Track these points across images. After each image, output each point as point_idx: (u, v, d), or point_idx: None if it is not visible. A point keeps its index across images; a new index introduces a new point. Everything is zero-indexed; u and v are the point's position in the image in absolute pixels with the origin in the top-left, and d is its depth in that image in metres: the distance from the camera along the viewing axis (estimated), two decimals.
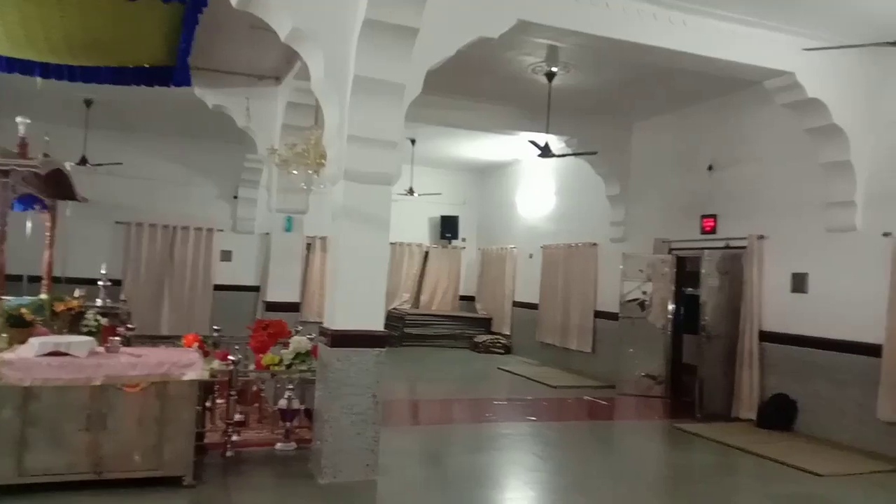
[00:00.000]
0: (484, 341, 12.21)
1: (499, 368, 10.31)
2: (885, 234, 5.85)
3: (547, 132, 7.74)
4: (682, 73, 6.53)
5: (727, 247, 7.60)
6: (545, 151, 7.65)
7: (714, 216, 7.88)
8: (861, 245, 6.12)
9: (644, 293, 8.54)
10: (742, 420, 6.98)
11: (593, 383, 9.12)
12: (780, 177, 7.00)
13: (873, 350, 5.81)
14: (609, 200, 9.58)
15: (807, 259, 6.67)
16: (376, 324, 4.69)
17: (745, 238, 7.31)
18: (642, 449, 6.46)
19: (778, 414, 6.71)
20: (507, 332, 12.33)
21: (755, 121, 7.31)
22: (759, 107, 7.05)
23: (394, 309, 12.81)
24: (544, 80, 7.27)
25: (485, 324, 12.88)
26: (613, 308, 9.01)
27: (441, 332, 12.71)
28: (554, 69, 7.08)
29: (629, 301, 8.68)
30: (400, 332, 12.21)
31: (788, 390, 6.70)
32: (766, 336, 7.02)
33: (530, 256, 11.83)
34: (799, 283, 6.74)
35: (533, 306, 11.46)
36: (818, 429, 6.32)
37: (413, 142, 10.86)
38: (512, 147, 10.84)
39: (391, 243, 13.03)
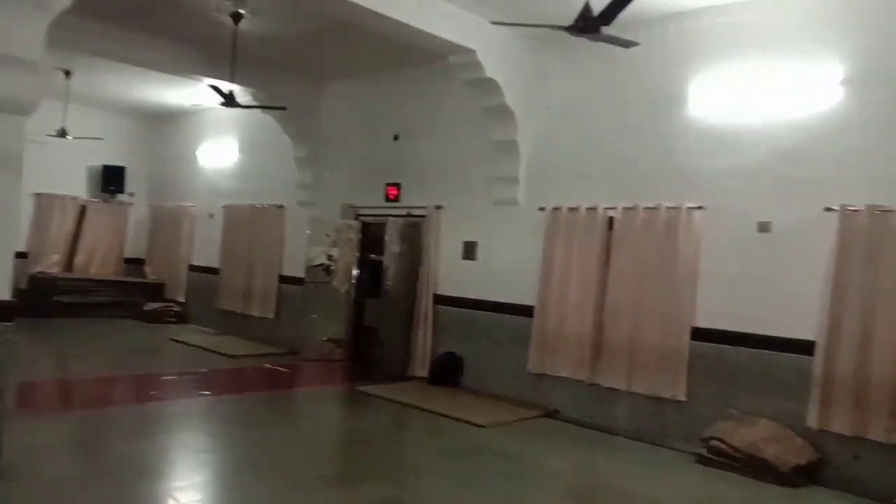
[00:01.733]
0: (154, 309, 10.97)
1: (171, 339, 9.34)
2: (541, 209, 6.57)
3: (231, 81, 7.08)
4: (375, 38, 6.47)
5: (409, 215, 7.88)
6: (229, 101, 7.01)
7: (398, 185, 8.10)
8: (522, 218, 6.80)
9: (330, 258, 8.45)
10: (417, 379, 7.35)
11: (276, 350, 8.80)
12: (459, 151, 7.44)
13: (529, 311, 6.53)
14: (297, 162, 9.26)
15: (477, 229, 7.23)
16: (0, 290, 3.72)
17: (425, 207, 7.64)
18: (323, 415, 6.38)
19: (447, 371, 7.21)
20: (182, 300, 11.28)
21: (440, 95, 7.64)
22: (445, 81, 7.34)
23: (39, 273, 10.80)
24: (230, 21, 6.59)
25: (155, 290, 11.57)
26: (299, 273, 8.78)
27: (101, 299, 11.06)
28: (241, 11, 6.45)
29: (315, 266, 8.51)
30: (48, 300, 10.33)
31: (457, 349, 7.24)
32: (440, 299, 7.47)
33: (210, 216, 10.92)
34: (469, 250, 7.28)
35: (212, 271, 10.64)
36: (481, 383, 6.94)
37: (68, 73, 9.13)
38: (192, 94, 9.77)
39: (37, 194, 11.23)
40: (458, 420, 5.83)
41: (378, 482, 4.38)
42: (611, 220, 6.09)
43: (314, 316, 8.41)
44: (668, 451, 5.38)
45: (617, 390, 5.89)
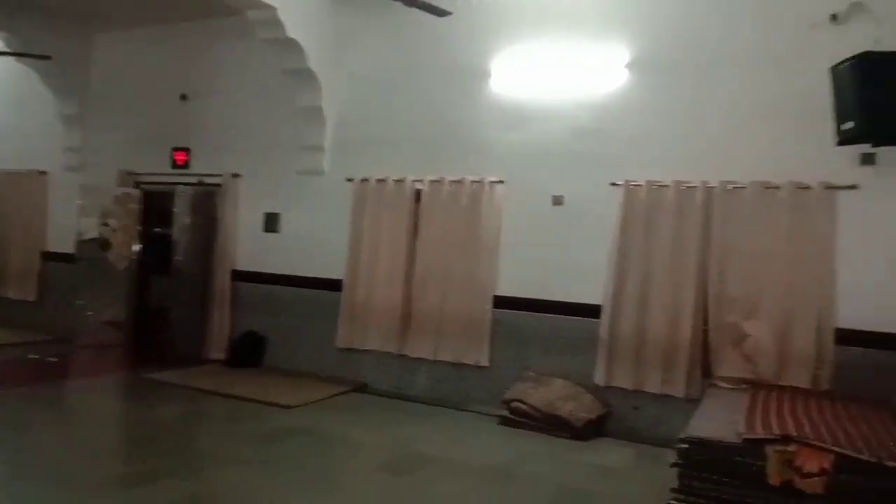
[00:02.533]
0: None
1: None
2: (348, 180, 6.39)
3: None
4: None
5: (201, 183, 7.25)
6: None
7: (187, 150, 7.40)
8: (328, 188, 6.56)
9: (106, 231, 7.48)
10: (214, 361, 6.85)
11: (40, 338, 7.65)
12: (259, 115, 6.96)
13: (337, 285, 6.36)
14: (63, 121, 8.07)
15: (280, 200, 6.85)
16: None
17: (220, 175, 7.07)
18: (105, 409, 5.69)
19: (248, 351, 6.80)
20: None
21: (236, 53, 7.06)
22: (241, 39, 6.78)
23: None
24: None
25: None
26: (68, 248, 7.69)
27: None
28: None
29: (88, 240, 7.49)
30: None
31: (259, 327, 6.85)
32: (239, 275, 7.00)
33: None
34: (272, 222, 6.89)
35: None
36: (286, 362, 6.64)
37: None
38: None
39: None
40: (262, 403, 5.53)
41: (175, 478, 3.96)
42: (418, 193, 6.10)
43: (87, 297, 7.42)
44: (474, 416, 5.59)
45: (424, 360, 5.98)
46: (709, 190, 5.03)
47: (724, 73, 5.10)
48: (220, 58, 7.20)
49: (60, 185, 8.18)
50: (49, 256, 8.26)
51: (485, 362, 5.74)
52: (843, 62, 4.12)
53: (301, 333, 6.62)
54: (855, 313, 4.60)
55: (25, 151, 8.47)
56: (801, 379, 4.67)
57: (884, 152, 4.54)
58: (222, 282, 6.97)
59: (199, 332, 6.99)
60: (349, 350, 6.32)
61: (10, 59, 7.14)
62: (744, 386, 4.75)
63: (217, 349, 6.92)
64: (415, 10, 5.07)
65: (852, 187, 4.65)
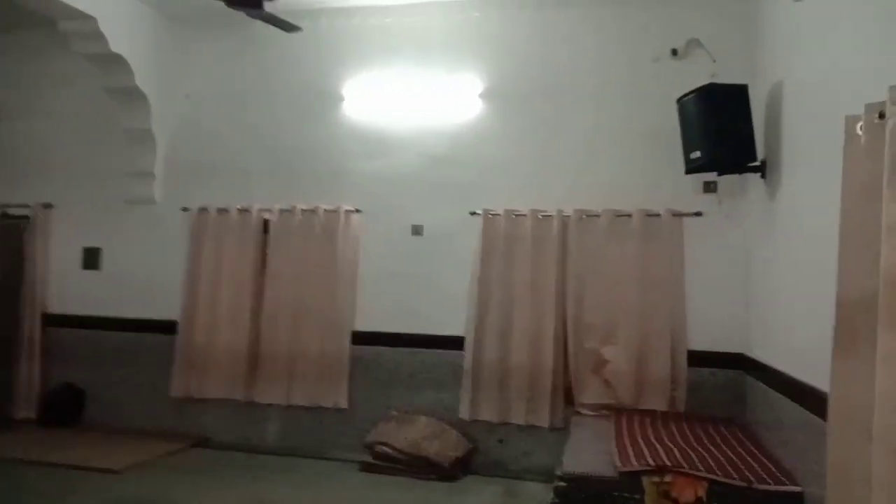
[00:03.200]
0: None
1: None
2: (184, 209, 5.76)
3: None
4: None
5: (5, 215, 6.21)
6: None
7: None
8: (160, 219, 5.88)
9: None
10: (22, 421, 5.82)
11: None
12: (79, 138, 6.11)
13: (171, 327, 5.65)
14: None
15: (102, 232, 6.03)
16: None
17: (27, 206, 6.11)
18: None
19: (63, 408, 5.86)
20: None
21: (54, 69, 6.14)
22: (60, 53, 5.91)
23: None
24: None
25: None
26: None
27: None
28: None
29: None
30: None
31: (77, 379, 5.93)
32: (51, 320, 6.05)
33: None
34: (92, 258, 6.04)
35: None
36: (112, 417, 5.78)
37: None
38: None
39: None
40: (83, 469, 4.72)
41: None
42: (266, 223, 5.63)
43: None
44: (334, 464, 5.16)
45: (275, 406, 5.46)
46: (564, 218, 5.08)
47: (576, 104, 5.21)
48: (36, 73, 6.25)
49: None
50: None
51: (344, 404, 5.34)
52: (688, 94, 4.31)
53: (128, 383, 5.81)
54: (703, 335, 4.80)
55: None
56: (658, 402, 4.77)
57: (724, 181, 4.82)
58: (31, 328, 5.98)
59: (3, 387, 5.92)
60: (187, 400, 5.62)
61: None
62: (605, 412, 4.80)
63: (26, 407, 5.90)
64: (259, 28, 4.69)
65: (697, 214, 4.90)
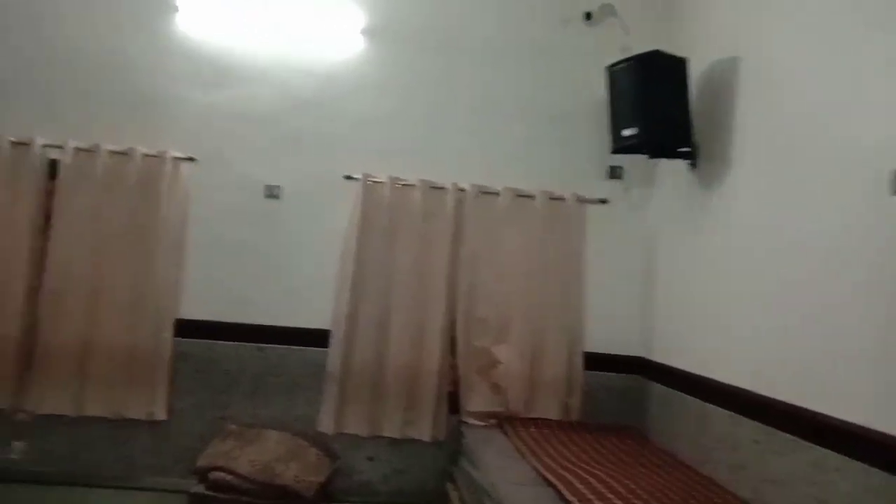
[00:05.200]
0: None
1: None
2: None
3: None
4: None
5: None
6: None
7: None
8: None
9: None
10: None
11: None
12: None
13: None
14: None
15: None
16: None
17: None
18: None
19: None
20: None
21: None
22: None
23: None
24: None
25: None
26: None
27: None
28: None
29: None
30: None
31: None
32: None
33: None
34: None
35: None
36: None
37: None
38: None
39: None
40: None
41: None
42: (54, 164, 4.03)
43: None
44: (147, 495, 3.89)
45: (63, 417, 3.96)
46: (460, 193, 4.28)
47: (476, 59, 4.40)
48: None
49: None
50: None
51: (162, 415, 4.04)
52: (623, 61, 3.74)
53: None
54: (599, 336, 4.35)
55: None
56: (551, 409, 4.24)
57: (632, 167, 4.37)
58: None
59: None
60: None
61: None
62: (492, 421, 4.16)
63: None
64: None
65: (602, 201, 4.40)
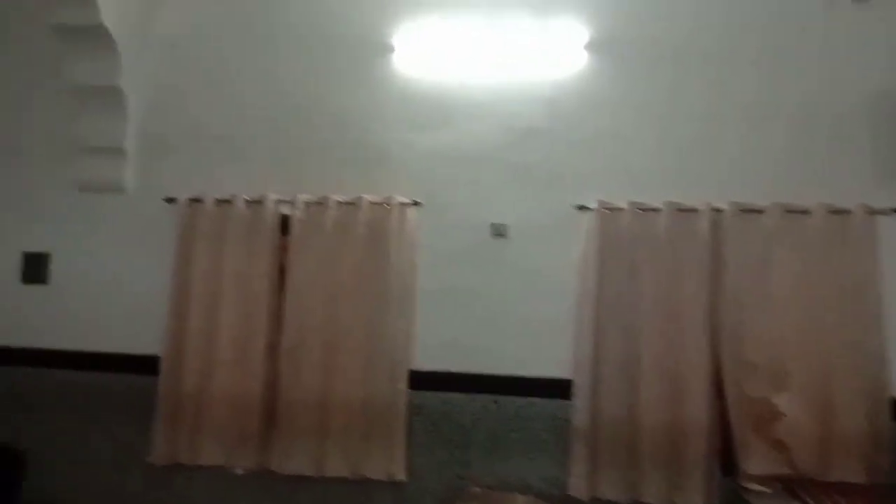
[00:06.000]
0: None
1: None
2: (168, 200, 4.14)
3: None
4: None
5: None
6: None
7: None
8: (133, 213, 4.22)
9: None
10: None
11: None
12: (14, 100, 4.39)
13: (151, 365, 4.02)
14: None
15: (50, 232, 4.33)
16: None
17: None
18: None
19: None
20: None
21: None
22: None
23: None
24: None
25: None
26: None
27: None
28: None
29: None
30: None
31: (13, 437, 4.24)
32: None
33: None
34: (36, 268, 4.33)
35: None
36: (63, 490, 4.11)
37: None
38: None
39: None
40: None
41: None
42: (286, 220, 4.05)
43: None
44: None
45: (305, 478, 3.88)
46: (715, 214, 3.67)
47: (712, 62, 3.86)
48: None
49: None
50: None
51: (401, 475, 3.81)
52: None
53: (90, 444, 4.15)
54: None
55: None
56: (853, 471, 3.43)
57: None
58: None
59: None
60: (173, 468, 3.99)
61: None
62: (778, 485, 3.43)
63: None
64: None
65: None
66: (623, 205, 3.73)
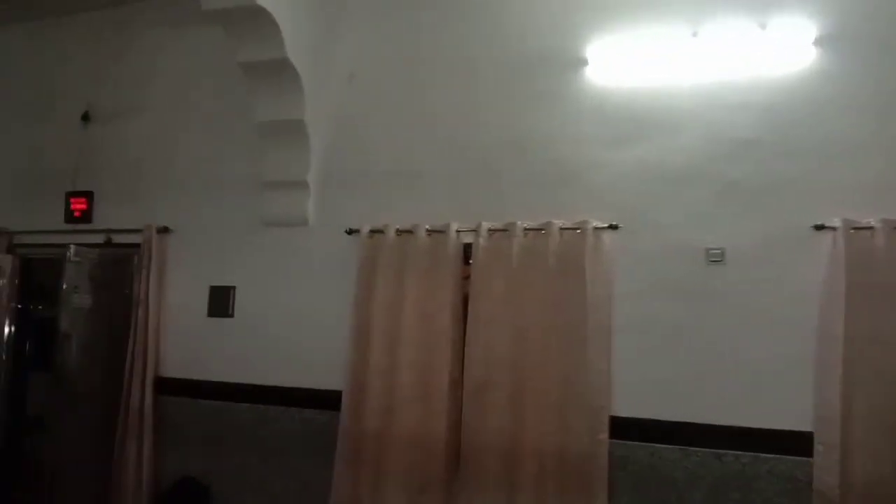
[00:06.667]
0: None
1: None
2: (350, 232, 4.04)
3: None
4: None
5: (108, 243, 4.72)
6: None
7: (88, 194, 4.88)
8: (315, 246, 4.18)
9: None
10: None
11: None
12: (201, 138, 4.57)
13: (333, 401, 3.89)
14: None
15: (234, 266, 4.38)
16: None
17: (138, 231, 4.56)
18: None
19: None
20: None
21: (165, 47, 4.74)
22: (174, 26, 4.54)
23: None
24: None
25: None
26: None
27: None
28: None
29: None
30: None
31: (199, 470, 4.26)
32: (167, 386, 4.42)
33: None
34: (221, 302, 4.39)
35: None
36: None
37: None
38: None
39: None
40: None
41: None
42: (468, 249, 3.80)
43: None
44: None
45: None
46: None
47: None
48: (140, 56, 4.83)
49: None
50: None
51: None
52: None
53: (270, 481, 4.08)
54: None
55: None
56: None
57: None
58: (140, 396, 4.36)
59: (102, 474, 4.34)
60: None
61: None
62: None
63: None
64: None
65: None
66: (876, 223, 3.11)
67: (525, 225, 3.64)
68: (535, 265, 3.61)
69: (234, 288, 4.36)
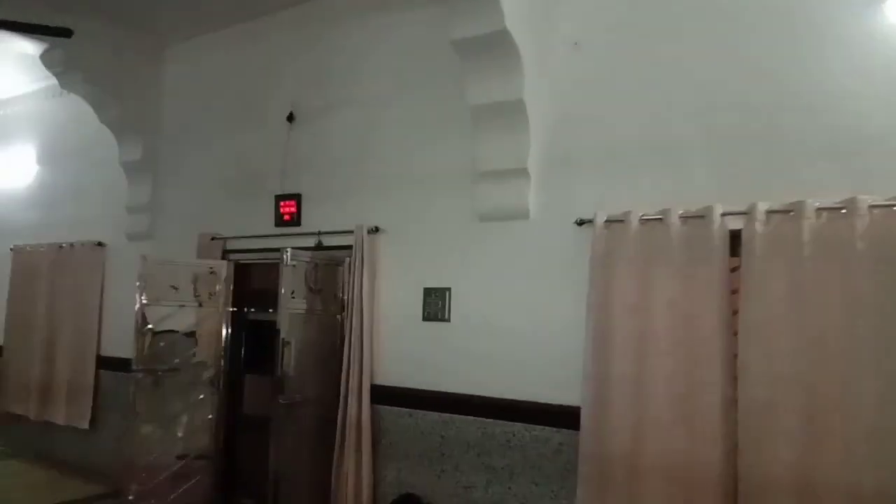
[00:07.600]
0: None
1: None
2: (580, 223, 3.51)
3: None
4: None
5: (320, 246, 4.58)
6: None
7: (297, 197, 4.79)
8: (538, 240, 3.70)
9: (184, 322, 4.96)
10: None
11: (86, 489, 5.10)
12: (407, 129, 4.28)
13: (569, 418, 3.38)
14: (126, 170, 5.74)
15: (448, 266, 4.03)
16: None
17: (349, 232, 4.35)
18: None
19: None
20: None
21: (371, 33, 4.51)
22: (379, 11, 4.29)
23: None
24: None
25: None
26: (129, 351, 5.16)
27: None
28: None
29: (162, 332, 4.98)
30: None
31: (418, 486, 3.95)
32: (381, 395, 4.17)
33: None
34: (436, 304, 4.05)
35: None
36: None
37: None
38: None
39: None
40: None
41: None
42: (735, 236, 3.12)
43: (151, 417, 4.81)
44: None
45: None
46: None
47: None
48: (344, 48, 4.64)
49: (120, 260, 5.79)
50: (104, 363, 5.81)
51: None
52: None
53: (496, 501, 3.66)
54: None
55: (79, 217, 6.23)
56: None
57: None
58: (357, 406, 4.14)
59: (320, 486, 4.19)
60: None
61: (71, 95, 5.06)
62: None
63: None
64: None
65: None
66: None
67: (818, 204, 2.89)
68: (834, 255, 2.85)
69: (448, 290, 4.00)
